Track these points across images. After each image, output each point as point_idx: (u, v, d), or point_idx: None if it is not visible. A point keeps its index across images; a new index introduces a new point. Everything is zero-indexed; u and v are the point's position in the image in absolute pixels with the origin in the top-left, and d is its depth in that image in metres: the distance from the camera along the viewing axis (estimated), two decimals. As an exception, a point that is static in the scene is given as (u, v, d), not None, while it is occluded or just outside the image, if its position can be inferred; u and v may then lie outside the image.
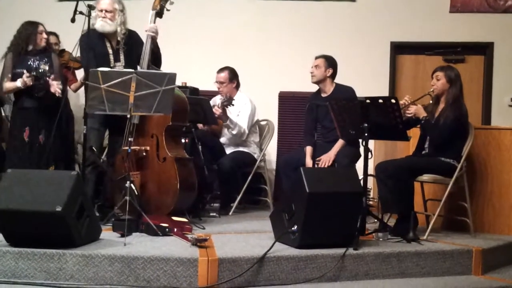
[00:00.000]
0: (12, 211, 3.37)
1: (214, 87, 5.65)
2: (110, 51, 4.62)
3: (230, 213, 5.21)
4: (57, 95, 4.79)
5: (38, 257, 3.30)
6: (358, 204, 3.77)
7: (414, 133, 4.62)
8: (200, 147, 4.88)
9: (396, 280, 3.60)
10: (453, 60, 6.64)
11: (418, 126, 4.51)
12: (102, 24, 4.52)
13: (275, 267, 3.38)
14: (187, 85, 5.76)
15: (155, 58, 4.62)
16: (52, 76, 4.86)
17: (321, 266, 3.46)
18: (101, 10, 4.53)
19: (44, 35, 5.01)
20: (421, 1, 6.68)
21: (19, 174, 3.60)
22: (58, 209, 3.27)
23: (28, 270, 3.29)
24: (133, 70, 3.96)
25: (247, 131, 5.42)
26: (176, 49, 5.98)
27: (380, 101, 4.01)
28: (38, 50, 4.97)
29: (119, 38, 4.60)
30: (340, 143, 4.89)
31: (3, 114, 5.78)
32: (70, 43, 4.68)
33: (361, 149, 4.37)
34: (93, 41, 4.52)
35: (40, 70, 4.86)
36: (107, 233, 3.83)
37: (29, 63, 4.90)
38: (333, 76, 5.11)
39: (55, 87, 4.80)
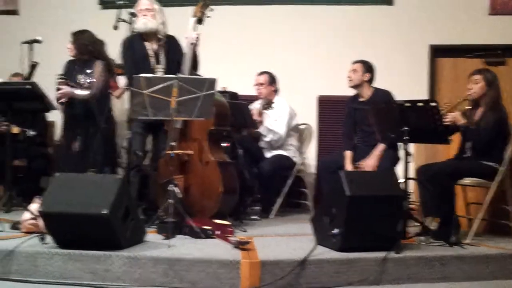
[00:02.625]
0: (60, 214, 3.47)
1: (253, 92, 5.70)
2: (151, 53, 4.72)
3: (271, 216, 5.26)
4: (57, 101, 4.91)
5: (86, 259, 3.38)
6: (398, 207, 3.76)
7: (455, 136, 4.59)
8: (240, 151, 4.93)
9: (439, 284, 3.56)
10: (494, 62, 6.55)
11: (458, 132, 4.47)
12: (144, 22, 4.63)
13: (317, 270, 3.39)
14: (227, 90, 5.82)
15: (194, 63, 4.70)
16: (62, 81, 4.97)
17: (363, 269, 3.45)
18: (141, 10, 4.64)
19: (69, 45, 5.13)
20: (460, 3, 6.61)
21: (66, 178, 3.71)
22: (105, 212, 3.35)
23: (76, 272, 3.38)
24: (175, 76, 4.04)
25: (283, 136, 5.45)
26: (215, 54, 6.04)
27: (420, 104, 3.99)
28: (83, 59, 5.11)
29: (159, 36, 4.69)
30: (380, 147, 4.88)
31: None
32: (113, 50, 4.79)
33: (401, 153, 4.36)
34: (134, 45, 4.64)
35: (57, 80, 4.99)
36: (151, 235, 3.90)
37: (73, 72, 5.06)
38: (370, 80, 5.11)
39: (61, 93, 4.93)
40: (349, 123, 5.14)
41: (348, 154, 5.03)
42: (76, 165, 4.85)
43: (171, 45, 4.78)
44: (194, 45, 4.61)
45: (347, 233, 3.52)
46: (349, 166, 4.95)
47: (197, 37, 4.61)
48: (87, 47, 5.15)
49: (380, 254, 3.51)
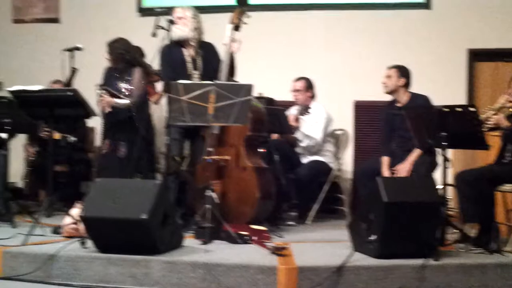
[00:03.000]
0: (100, 218, 3.53)
1: (289, 98, 5.71)
2: (189, 59, 4.78)
3: (307, 222, 5.25)
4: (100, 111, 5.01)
5: (125, 263, 3.44)
6: (437, 214, 3.72)
7: (494, 141, 4.52)
8: (276, 156, 4.94)
9: (479, 292, 3.53)
10: (534, 66, 6.46)
11: (497, 135, 4.41)
12: (175, 30, 4.69)
13: (354, 276, 3.37)
14: (263, 95, 5.84)
15: (231, 69, 4.73)
16: (105, 93, 5.06)
17: (401, 276, 3.42)
18: (175, 18, 4.72)
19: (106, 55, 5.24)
20: (499, 6, 6.52)
21: (106, 183, 3.78)
22: (144, 217, 3.40)
23: (116, 276, 3.44)
24: (212, 82, 4.09)
25: (320, 142, 5.45)
26: (251, 61, 6.06)
27: (459, 109, 3.95)
28: (121, 67, 5.21)
29: (191, 43, 4.74)
30: (416, 152, 4.84)
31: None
32: (152, 57, 4.86)
33: (439, 158, 4.31)
34: (172, 51, 4.71)
35: (98, 91, 5.07)
36: (189, 240, 3.94)
37: (113, 79, 5.15)
38: (406, 85, 5.07)
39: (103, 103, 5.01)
40: (386, 129, 5.11)
41: (385, 160, 5.00)
42: (120, 172, 4.94)
43: (208, 51, 4.84)
44: (232, 52, 4.65)
45: (384, 239, 3.50)
46: (386, 172, 4.92)
47: (236, 44, 4.64)
48: (123, 56, 5.24)
49: (418, 261, 3.46)
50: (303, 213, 5.31)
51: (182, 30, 4.71)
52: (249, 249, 3.79)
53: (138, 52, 5.57)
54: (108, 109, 5.03)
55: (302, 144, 5.42)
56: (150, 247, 3.49)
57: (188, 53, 4.79)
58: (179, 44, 4.77)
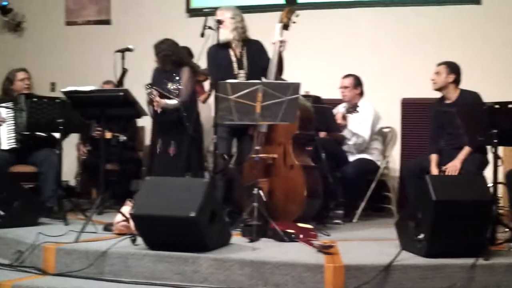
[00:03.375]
0: (150, 216, 3.58)
1: (336, 96, 5.70)
2: (234, 59, 4.82)
3: (354, 220, 5.23)
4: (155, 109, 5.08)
5: (174, 260, 3.48)
6: (487, 212, 3.65)
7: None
8: (323, 154, 4.94)
9: (529, 292, 3.47)
10: None
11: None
12: (218, 37, 4.72)
13: (402, 275, 3.34)
14: (310, 93, 5.84)
15: (279, 67, 4.75)
16: (154, 92, 5.13)
17: (450, 275, 3.37)
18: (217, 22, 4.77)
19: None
20: (553, -1, 6.37)
21: (156, 181, 3.84)
22: (192, 214, 3.44)
23: (165, 273, 3.48)
24: (260, 81, 4.12)
25: (367, 140, 5.42)
26: (298, 58, 6.07)
27: (510, 106, 3.88)
28: (169, 67, 5.29)
29: (233, 44, 4.77)
30: (466, 150, 4.77)
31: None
32: (201, 56, 4.93)
33: (490, 156, 4.24)
34: (218, 52, 4.77)
35: (147, 91, 5.15)
36: (236, 238, 3.96)
37: (162, 79, 5.24)
38: (456, 82, 5.00)
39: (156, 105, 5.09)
40: (435, 126, 5.06)
41: (434, 157, 4.94)
42: (170, 170, 5.02)
43: (254, 49, 4.87)
44: (281, 51, 4.67)
45: (433, 238, 3.46)
46: (435, 170, 4.87)
47: (284, 43, 4.65)
48: (170, 58, 5.31)
49: (468, 261, 3.41)
50: (350, 212, 5.29)
51: (222, 33, 4.74)
52: (296, 247, 3.79)
53: (186, 52, 5.64)
54: (158, 110, 5.11)
55: (350, 142, 5.40)
56: (198, 244, 3.53)
57: (233, 53, 4.83)
58: (225, 45, 4.82)
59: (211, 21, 4.76)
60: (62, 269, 3.65)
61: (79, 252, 3.66)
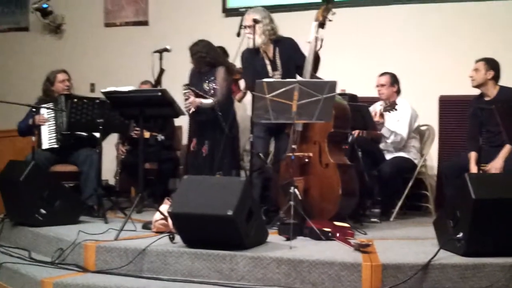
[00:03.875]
0: (188, 214, 3.64)
1: (372, 94, 5.66)
2: (267, 61, 4.83)
3: (391, 219, 5.19)
4: (186, 111, 5.12)
5: (212, 258, 3.52)
6: (528, 211, 3.61)
7: None
8: (359, 153, 4.92)
9: None
10: None
11: None
12: (249, 43, 4.74)
13: (440, 274, 3.32)
14: (346, 92, 5.82)
15: (315, 65, 4.73)
16: (190, 92, 5.16)
17: (489, 275, 3.33)
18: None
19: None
20: None
21: (193, 180, 3.88)
22: (230, 213, 3.47)
23: (203, 270, 3.53)
24: (296, 80, 4.12)
25: (405, 138, 5.37)
26: (334, 56, 6.05)
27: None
28: (204, 68, 5.33)
29: (262, 47, 4.77)
30: (507, 148, 4.70)
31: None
32: (236, 56, 4.96)
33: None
34: (251, 55, 4.78)
35: (184, 91, 5.20)
36: (273, 236, 3.98)
37: (198, 79, 5.30)
38: (495, 78, 4.93)
39: (189, 103, 5.13)
40: (474, 124, 4.99)
41: (473, 155, 4.88)
42: (205, 169, 5.06)
43: (287, 49, 4.85)
44: (317, 50, 4.65)
45: (472, 237, 3.42)
46: (474, 168, 4.81)
47: (320, 41, 4.64)
48: (204, 59, 5.34)
49: (508, 260, 3.37)
50: (387, 210, 5.26)
51: (251, 39, 4.72)
52: (333, 245, 3.79)
53: (221, 52, 5.67)
54: (194, 109, 5.16)
55: (388, 141, 5.36)
56: (235, 242, 3.57)
57: (266, 55, 4.83)
58: (257, 48, 4.81)
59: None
60: (102, 266, 3.73)
61: (118, 250, 3.73)
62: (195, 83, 5.32)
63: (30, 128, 5.35)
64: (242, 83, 6.20)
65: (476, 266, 3.35)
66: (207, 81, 5.30)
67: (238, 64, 5.33)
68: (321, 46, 4.66)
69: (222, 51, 5.86)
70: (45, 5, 7.75)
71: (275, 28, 4.84)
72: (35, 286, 3.63)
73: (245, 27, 4.76)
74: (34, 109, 5.28)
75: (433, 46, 6.46)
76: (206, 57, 5.32)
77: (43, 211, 4.51)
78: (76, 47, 7.87)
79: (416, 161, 5.43)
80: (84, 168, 5.33)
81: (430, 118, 5.99)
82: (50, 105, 5.44)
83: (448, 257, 3.44)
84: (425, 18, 6.53)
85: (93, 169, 5.25)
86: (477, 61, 5.00)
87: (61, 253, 3.90)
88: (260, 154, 4.67)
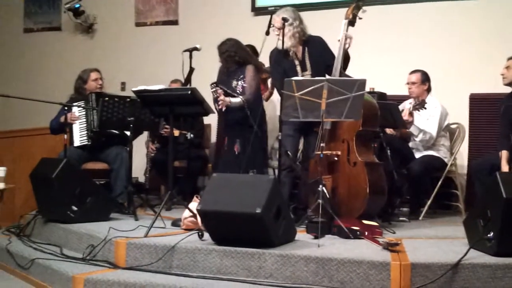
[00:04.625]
0: (217, 212, 3.65)
1: (401, 92, 5.63)
2: (296, 62, 4.82)
3: (420, 218, 5.16)
4: (219, 107, 5.14)
5: (240, 256, 3.54)
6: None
7: None
8: (388, 151, 4.90)
9: None
10: None
11: None
12: (278, 44, 4.74)
13: (470, 274, 3.29)
14: (375, 90, 5.80)
15: (345, 63, 4.71)
16: (219, 91, 5.19)
17: (520, 275, 3.31)
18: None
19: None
20: None
21: (222, 178, 3.91)
22: (258, 211, 3.48)
23: (231, 268, 3.55)
24: (325, 78, 4.12)
25: (434, 136, 5.32)
26: (363, 55, 6.03)
27: None
28: (232, 67, 5.35)
29: (292, 49, 4.77)
30: (539, 147, 4.66)
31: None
32: (265, 54, 4.97)
33: None
34: (280, 56, 4.78)
35: (212, 90, 5.22)
36: (301, 234, 3.98)
37: (227, 78, 5.32)
38: (527, 76, 4.88)
39: (220, 102, 5.15)
40: (505, 122, 4.93)
41: (504, 154, 4.82)
42: (235, 168, 5.08)
43: (316, 48, 4.84)
44: (346, 48, 4.64)
45: (503, 237, 3.38)
46: (505, 167, 4.75)
47: (349, 42, 4.63)
48: (233, 58, 5.35)
49: (540, 260, 3.34)
50: (416, 209, 5.23)
51: (279, 41, 4.71)
52: (361, 244, 3.78)
53: (249, 51, 5.68)
54: (223, 108, 5.19)
55: (417, 139, 5.32)
56: (264, 240, 3.58)
57: (295, 56, 4.82)
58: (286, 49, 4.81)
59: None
60: (132, 263, 3.78)
61: (148, 246, 3.77)
62: (223, 81, 5.34)
63: (61, 126, 5.43)
64: (269, 82, 6.21)
65: (507, 266, 3.31)
66: (235, 79, 5.32)
67: (266, 63, 5.34)
68: (349, 45, 4.64)
69: (252, 50, 5.87)
70: (77, 5, 7.87)
71: (305, 29, 4.84)
72: (67, 282, 3.69)
73: (273, 26, 4.77)
74: (65, 108, 5.35)
75: (464, 43, 6.40)
76: (235, 56, 5.34)
77: (74, 208, 4.57)
78: (107, 46, 7.97)
79: (446, 160, 5.38)
80: (114, 165, 5.41)
81: (461, 116, 5.93)
82: (81, 103, 5.52)
83: (478, 257, 3.40)
84: (455, 16, 6.47)
85: (123, 167, 5.32)
86: (509, 58, 4.96)
87: (92, 250, 3.95)
88: (289, 153, 4.67)
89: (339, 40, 4.64)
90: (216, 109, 5.23)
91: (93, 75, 5.70)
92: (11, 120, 7.83)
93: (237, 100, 5.22)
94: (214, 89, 5.21)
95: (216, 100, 5.21)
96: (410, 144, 5.43)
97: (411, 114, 5.18)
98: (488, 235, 3.45)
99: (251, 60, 5.41)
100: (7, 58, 8.51)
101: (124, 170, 5.31)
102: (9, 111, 7.93)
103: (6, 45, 8.52)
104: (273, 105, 6.25)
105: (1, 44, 8.55)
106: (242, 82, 5.30)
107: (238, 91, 5.27)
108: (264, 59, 5.14)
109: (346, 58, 4.70)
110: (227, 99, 5.19)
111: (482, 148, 5.97)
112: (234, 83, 5.31)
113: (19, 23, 8.52)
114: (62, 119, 5.41)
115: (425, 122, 5.31)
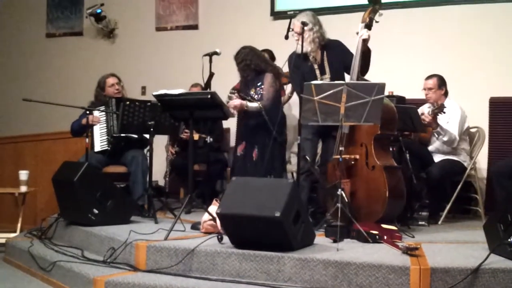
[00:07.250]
0: (236, 215, 3.68)
1: (420, 95, 5.61)
2: (315, 66, 4.83)
3: (439, 222, 5.12)
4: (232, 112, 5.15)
5: (259, 259, 3.56)
6: None
7: None
8: (407, 155, 4.88)
9: None
10: None
11: None
12: (297, 48, 4.74)
13: (491, 279, 3.27)
14: (394, 94, 5.78)
15: (364, 67, 4.70)
16: (235, 96, 5.20)
17: (541, 280, 3.29)
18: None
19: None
20: None
21: (242, 182, 3.93)
22: (277, 214, 3.49)
23: (250, 271, 3.57)
24: (344, 82, 4.12)
25: (457, 138, 5.29)
26: (382, 58, 6.02)
27: None
28: (250, 75, 5.36)
29: (312, 53, 4.77)
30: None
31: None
32: (283, 59, 4.99)
33: None
34: (298, 60, 4.79)
35: (230, 95, 5.24)
36: (320, 238, 3.99)
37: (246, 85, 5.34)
38: (548, 80, 4.85)
39: (233, 106, 5.16)
40: (526, 126, 4.90)
41: (524, 158, 4.80)
42: (254, 172, 5.09)
43: (335, 52, 4.84)
44: (364, 51, 4.62)
45: (524, 242, 3.38)
46: (526, 171, 4.72)
47: (366, 43, 4.62)
48: (249, 67, 5.32)
49: (561, 265, 3.31)
50: (435, 213, 5.20)
51: (298, 46, 4.72)
52: (380, 248, 3.78)
53: (266, 56, 5.67)
54: (239, 111, 5.20)
55: (444, 138, 5.23)
56: (283, 244, 3.59)
57: (314, 60, 4.83)
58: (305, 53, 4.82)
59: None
60: (152, 266, 3.81)
61: (168, 249, 3.80)
62: (245, 87, 5.35)
63: (82, 128, 5.49)
64: (287, 87, 6.21)
65: (529, 271, 3.28)
66: (254, 87, 5.32)
67: (285, 68, 5.35)
68: (365, 46, 4.62)
69: (270, 55, 5.88)
70: (99, 11, 7.95)
71: (324, 34, 4.84)
72: (88, 285, 3.73)
73: (292, 30, 4.78)
74: (87, 111, 5.41)
75: (483, 47, 6.36)
76: (251, 64, 5.30)
77: (95, 211, 4.63)
78: (128, 51, 8.05)
79: (465, 164, 5.35)
80: (131, 168, 5.46)
81: (481, 120, 5.89)
82: (102, 108, 5.57)
83: (499, 262, 3.38)
84: (474, 19, 6.43)
85: (140, 169, 5.37)
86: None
87: (113, 252, 4.00)
88: (307, 157, 4.68)
89: (357, 33, 4.61)
90: (235, 113, 5.24)
91: (110, 81, 5.73)
92: (33, 123, 7.94)
93: (254, 105, 5.22)
94: (231, 94, 5.24)
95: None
96: (430, 148, 5.41)
97: (434, 117, 5.12)
98: (509, 240, 3.43)
99: (268, 67, 5.38)
100: (30, 63, 8.62)
101: (140, 172, 5.36)
102: (32, 115, 8.03)
103: (28, 50, 8.64)
104: (290, 108, 6.26)
105: (24, 49, 8.67)
106: (260, 90, 5.29)
107: (256, 98, 5.26)
108: (284, 63, 5.13)
109: (366, 61, 4.68)
110: (244, 102, 5.19)
111: (502, 152, 5.92)
112: (253, 90, 5.31)
113: (42, 29, 8.63)
114: (83, 121, 5.46)
115: (445, 125, 5.28)
